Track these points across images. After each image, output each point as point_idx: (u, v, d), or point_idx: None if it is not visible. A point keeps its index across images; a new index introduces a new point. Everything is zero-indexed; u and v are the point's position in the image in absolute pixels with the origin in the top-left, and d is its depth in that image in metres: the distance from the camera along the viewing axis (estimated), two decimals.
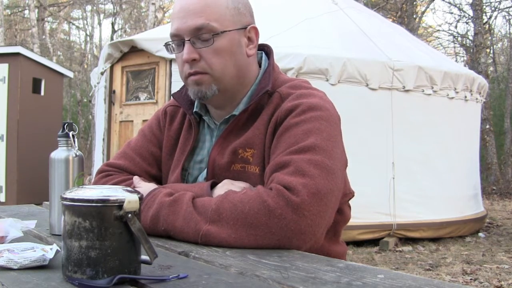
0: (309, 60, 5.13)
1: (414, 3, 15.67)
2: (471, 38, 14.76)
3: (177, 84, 4.51)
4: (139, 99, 6.16)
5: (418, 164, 5.47)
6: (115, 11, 19.93)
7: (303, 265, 0.95)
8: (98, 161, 6.62)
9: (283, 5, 6.17)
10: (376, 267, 0.96)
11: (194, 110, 1.39)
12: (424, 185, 5.46)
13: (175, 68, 5.49)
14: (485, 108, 9.79)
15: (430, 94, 5.60)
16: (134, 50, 5.95)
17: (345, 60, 5.21)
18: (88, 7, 21.54)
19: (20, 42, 19.63)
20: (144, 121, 5.85)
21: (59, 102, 9.22)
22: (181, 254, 1.06)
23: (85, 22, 23.42)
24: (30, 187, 7.75)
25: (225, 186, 1.23)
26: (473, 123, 6.43)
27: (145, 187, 1.30)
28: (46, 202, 6.54)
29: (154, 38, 5.63)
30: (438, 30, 16.97)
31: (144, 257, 0.88)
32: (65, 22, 23.27)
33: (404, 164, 5.35)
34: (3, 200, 7.58)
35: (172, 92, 1.65)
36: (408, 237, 5.36)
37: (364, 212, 4.77)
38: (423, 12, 18.21)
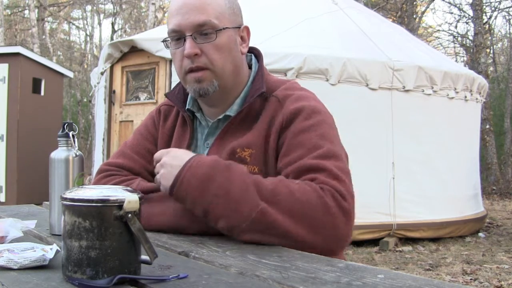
0: (309, 60, 5.13)
1: (414, 3, 15.66)
2: (471, 38, 14.75)
3: None
4: (139, 99, 6.16)
5: (418, 164, 5.47)
6: (115, 11, 19.94)
7: (303, 265, 0.95)
8: (98, 161, 6.62)
9: (283, 5, 6.16)
10: (376, 267, 0.96)
11: (187, 107, 1.42)
12: (424, 185, 5.46)
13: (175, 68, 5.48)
14: (485, 108, 9.78)
15: (430, 94, 5.59)
16: (134, 50, 5.95)
17: (345, 60, 5.21)
18: (88, 7, 21.56)
19: (20, 42, 19.62)
20: None
21: (59, 102, 9.22)
22: (181, 254, 1.06)
23: (85, 22, 23.44)
24: (30, 187, 7.74)
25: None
26: (473, 123, 6.43)
27: (181, 151, 1.26)
28: (46, 202, 6.53)
29: (154, 38, 5.62)
30: (438, 30, 16.96)
31: (144, 257, 0.88)
32: (65, 22, 23.27)
33: (404, 164, 5.35)
34: (3, 200, 7.58)
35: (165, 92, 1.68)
36: (408, 237, 5.35)
37: (364, 212, 4.76)
38: (423, 12, 18.20)
